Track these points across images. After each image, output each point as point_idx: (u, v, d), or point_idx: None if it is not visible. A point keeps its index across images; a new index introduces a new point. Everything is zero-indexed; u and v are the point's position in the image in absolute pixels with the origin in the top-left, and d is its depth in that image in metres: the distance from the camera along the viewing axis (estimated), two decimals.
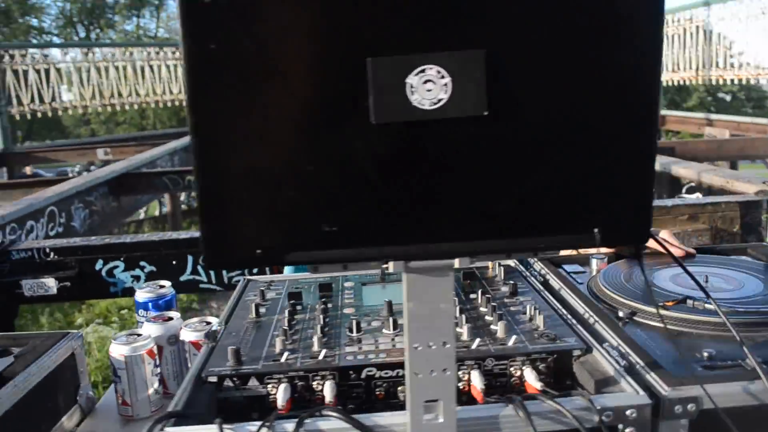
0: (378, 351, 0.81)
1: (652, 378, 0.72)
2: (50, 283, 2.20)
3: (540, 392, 0.71)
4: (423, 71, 0.54)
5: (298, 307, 0.98)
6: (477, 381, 0.76)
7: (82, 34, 31.28)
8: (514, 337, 0.82)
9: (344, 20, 0.53)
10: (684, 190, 2.98)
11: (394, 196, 0.57)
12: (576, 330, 0.85)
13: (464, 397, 0.77)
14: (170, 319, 1.16)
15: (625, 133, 0.57)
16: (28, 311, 6.02)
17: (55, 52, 11.17)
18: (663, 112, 8.71)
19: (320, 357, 0.79)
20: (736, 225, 2.34)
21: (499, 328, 0.84)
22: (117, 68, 10.62)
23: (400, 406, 0.69)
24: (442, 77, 0.55)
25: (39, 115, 10.24)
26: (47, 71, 9.92)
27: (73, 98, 10.80)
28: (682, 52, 8.33)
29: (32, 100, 9.76)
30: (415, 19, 0.53)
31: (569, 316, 0.90)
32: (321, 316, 0.91)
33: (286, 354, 0.80)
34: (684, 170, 2.98)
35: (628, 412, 0.67)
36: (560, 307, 0.94)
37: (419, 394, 0.64)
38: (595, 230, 0.59)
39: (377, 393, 0.78)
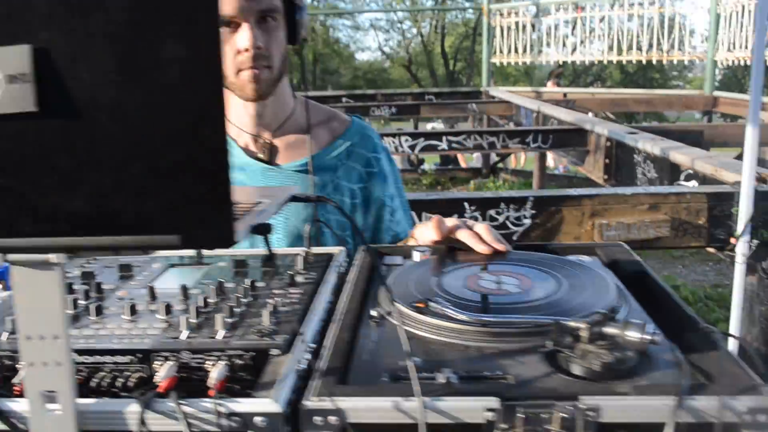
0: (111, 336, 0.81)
1: (314, 385, 0.69)
2: None
3: (168, 390, 0.69)
4: None
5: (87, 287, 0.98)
6: (164, 373, 0.75)
7: None
8: (223, 332, 0.80)
9: None
10: (682, 177, 2.82)
11: None
12: (299, 329, 0.82)
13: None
14: None
15: (190, 131, 0.54)
16: None
17: None
18: (715, 93, 8.18)
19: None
20: (703, 218, 2.18)
21: (217, 321, 0.82)
22: None
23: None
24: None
25: None
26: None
27: None
28: (739, 30, 7.77)
29: None
30: None
31: (318, 312, 0.88)
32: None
33: None
34: (682, 156, 2.78)
35: (256, 420, 0.65)
36: (322, 301, 0.91)
37: (35, 385, 0.64)
38: (175, 235, 0.57)
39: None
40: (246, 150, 1.38)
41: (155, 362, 0.78)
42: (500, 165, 10.14)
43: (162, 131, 0.54)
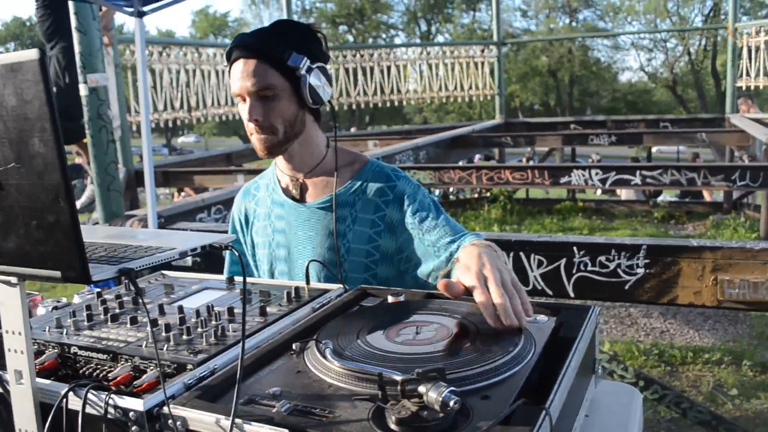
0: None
1: (183, 395, 0.88)
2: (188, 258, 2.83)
3: (119, 384, 0.93)
4: None
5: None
6: (118, 371, 1.01)
7: (424, 28, 33.91)
8: (172, 345, 1.03)
9: None
10: None
11: None
12: (217, 352, 1.02)
13: None
14: None
15: (53, 202, 0.78)
16: None
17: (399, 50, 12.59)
18: None
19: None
20: None
21: (172, 337, 1.06)
22: (446, 65, 11.65)
23: None
24: None
25: (380, 104, 11.86)
26: (388, 67, 11.38)
27: (409, 90, 12.19)
28: None
29: (374, 92, 11.29)
30: None
31: (254, 338, 1.07)
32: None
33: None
34: None
35: (131, 414, 0.86)
36: (268, 330, 1.10)
37: (11, 365, 0.94)
38: (57, 272, 0.81)
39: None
40: (285, 189, 1.66)
41: (120, 362, 1.04)
42: (744, 200, 9.00)
43: (40, 201, 0.79)
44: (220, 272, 1.71)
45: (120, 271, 0.85)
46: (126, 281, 1.38)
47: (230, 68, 1.52)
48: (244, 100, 1.49)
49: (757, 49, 8.27)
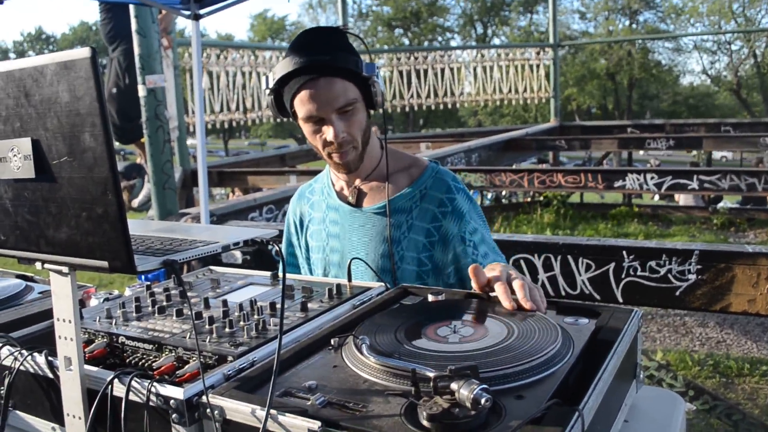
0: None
1: (222, 386, 0.91)
2: (237, 254, 2.90)
3: (163, 374, 0.96)
4: (11, 150, 0.89)
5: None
6: (162, 361, 1.04)
7: (480, 31, 33.71)
8: (215, 337, 1.06)
9: None
10: None
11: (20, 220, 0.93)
12: (257, 345, 1.04)
13: None
14: None
15: (102, 195, 0.82)
16: None
17: (454, 52, 12.59)
18: None
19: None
20: None
21: (214, 330, 1.09)
22: (500, 67, 11.59)
23: None
24: (18, 154, 0.88)
25: (433, 107, 11.87)
26: (442, 70, 11.38)
27: (468, 92, 12.17)
28: None
29: (427, 95, 11.31)
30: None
31: (292, 333, 1.08)
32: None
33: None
34: None
35: (172, 402, 0.89)
36: (308, 325, 1.12)
37: (61, 351, 0.98)
38: (105, 262, 0.85)
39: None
40: (339, 194, 1.64)
41: (164, 352, 1.08)
42: None
43: (90, 194, 0.82)
44: (270, 270, 1.74)
45: (164, 262, 0.88)
46: (174, 276, 1.42)
47: (296, 93, 1.45)
48: (320, 121, 1.46)
49: None
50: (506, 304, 1.12)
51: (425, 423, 0.78)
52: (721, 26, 30.54)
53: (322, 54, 1.42)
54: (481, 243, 1.54)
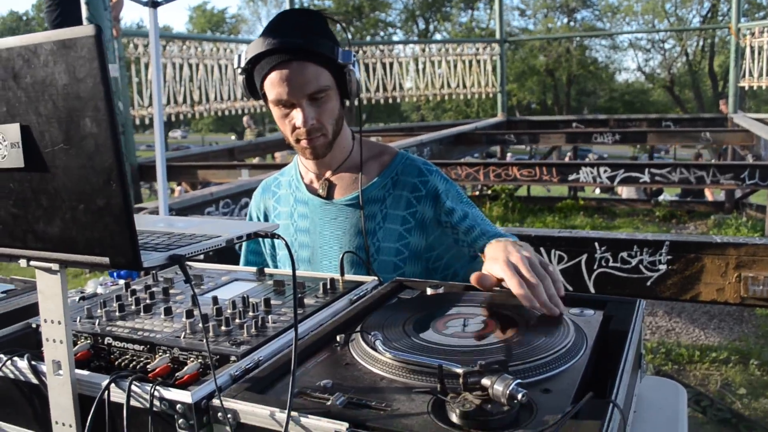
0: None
1: (231, 387, 0.86)
2: None
3: (157, 376, 0.90)
4: None
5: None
6: (156, 363, 0.98)
7: (422, 26, 33.93)
8: (212, 336, 1.00)
9: None
10: None
11: None
12: (261, 343, 0.99)
13: None
14: None
15: (104, 185, 0.75)
16: None
17: (398, 47, 12.51)
18: None
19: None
20: None
21: (211, 328, 1.03)
22: (448, 62, 11.60)
23: None
24: (3, 141, 0.81)
25: (381, 101, 11.79)
26: (391, 64, 11.30)
27: (411, 87, 12.12)
28: None
29: (377, 89, 11.22)
30: None
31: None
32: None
33: None
34: None
35: (178, 406, 0.83)
36: (310, 321, 1.07)
37: (49, 355, 0.90)
38: (106, 258, 0.78)
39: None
40: (309, 187, 1.59)
41: (158, 353, 1.01)
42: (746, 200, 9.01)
43: (90, 184, 0.76)
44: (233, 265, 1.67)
45: (171, 258, 0.82)
46: (154, 272, 1.34)
47: (266, 74, 1.39)
48: (290, 106, 1.41)
49: (760, 49, 8.28)
50: (529, 306, 1.03)
51: (456, 420, 0.75)
52: (654, 25, 31.63)
53: (296, 36, 1.37)
54: (462, 220, 1.49)
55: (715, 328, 5.07)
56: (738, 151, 7.41)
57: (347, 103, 1.50)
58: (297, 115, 1.41)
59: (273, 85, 1.39)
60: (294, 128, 1.43)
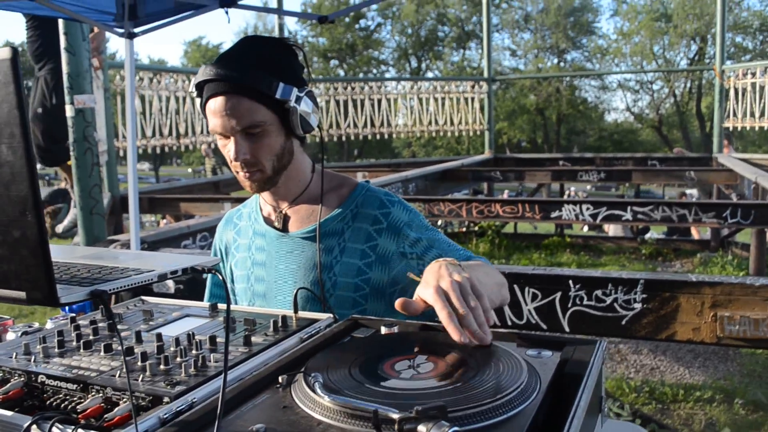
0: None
1: (160, 430, 0.81)
2: (170, 284, 2.76)
3: (88, 417, 0.85)
4: None
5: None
6: (87, 403, 0.92)
7: (414, 65, 34.41)
8: (148, 376, 0.95)
9: None
10: None
11: None
12: (197, 384, 0.94)
13: None
14: None
15: (20, 217, 0.71)
16: None
17: (389, 84, 12.61)
18: None
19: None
20: None
21: (147, 367, 0.98)
22: (436, 99, 11.69)
23: None
24: None
25: (369, 137, 11.83)
26: (379, 101, 11.36)
27: (398, 124, 12.19)
28: None
29: (365, 124, 11.26)
30: None
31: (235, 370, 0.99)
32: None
33: None
34: None
35: None
36: (251, 361, 1.02)
37: None
38: (22, 292, 0.74)
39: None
40: (266, 219, 1.55)
41: (91, 392, 0.96)
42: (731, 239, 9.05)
43: (6, 215, 0.72)
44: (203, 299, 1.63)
45: (91, 293, 0.78)
46: (101, 307, 1.29)
47: (205, 102, 1.37)
48: (226, 137, 1.38)
49: (744, 90, 8.41)
50: (457, 338, 0.98)
51: None
52: (643, 66, 32.18)
53: (234, 69, 1.33)
54: (428, 250, 1.44)
55: (700, 366, 5.01)
56: (723, 190, 7.46)
57: (305, 136, 1.47)
58: (230, 148, 1.38)
59: (210, 113, 1.38)
60: (231, 159, 1.40)
